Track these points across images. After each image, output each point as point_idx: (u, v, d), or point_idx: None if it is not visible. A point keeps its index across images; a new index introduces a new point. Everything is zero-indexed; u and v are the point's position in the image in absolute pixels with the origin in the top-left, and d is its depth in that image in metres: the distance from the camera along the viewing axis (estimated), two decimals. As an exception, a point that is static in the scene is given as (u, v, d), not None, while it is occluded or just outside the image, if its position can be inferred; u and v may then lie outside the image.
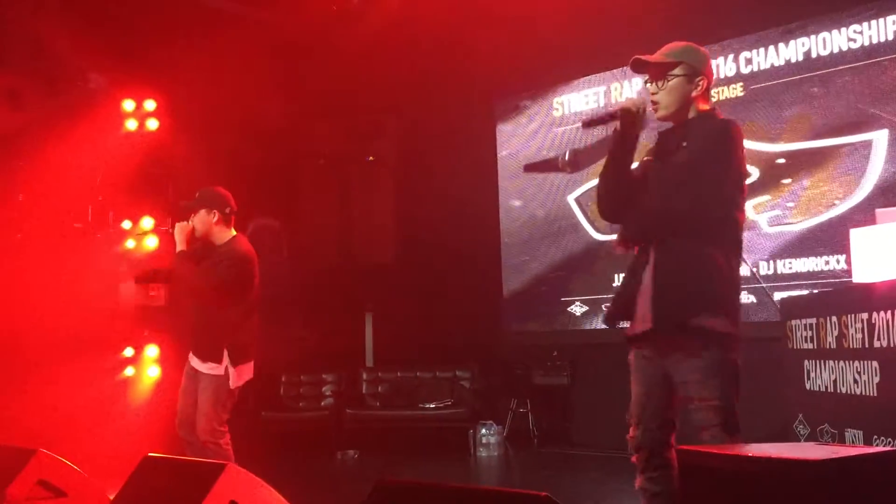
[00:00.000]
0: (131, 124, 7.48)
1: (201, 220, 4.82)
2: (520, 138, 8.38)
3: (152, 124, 7.50)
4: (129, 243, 7.40)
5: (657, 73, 3.24)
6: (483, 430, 7.65)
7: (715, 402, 3.02)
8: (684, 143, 3.17)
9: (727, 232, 3.13)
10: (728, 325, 3.06)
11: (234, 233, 4.88)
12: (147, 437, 6.35)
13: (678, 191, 3.08)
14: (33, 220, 6.75)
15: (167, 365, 7.12)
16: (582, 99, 7.93)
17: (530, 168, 8.11)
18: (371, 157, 8.92)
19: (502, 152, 8.50)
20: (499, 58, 7.75)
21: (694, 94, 3.19)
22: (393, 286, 8.72)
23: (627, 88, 7.56)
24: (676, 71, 3.19)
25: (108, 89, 7.37)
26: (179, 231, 4.83)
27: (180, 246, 4.81)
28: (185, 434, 4.76)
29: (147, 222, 7.42)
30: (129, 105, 7.48)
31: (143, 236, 7.39)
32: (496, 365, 8.36)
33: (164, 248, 7.19)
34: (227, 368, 4.68)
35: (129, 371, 7.32)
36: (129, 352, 7.34)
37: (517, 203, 8.36)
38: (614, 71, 7.64)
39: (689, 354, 3.06)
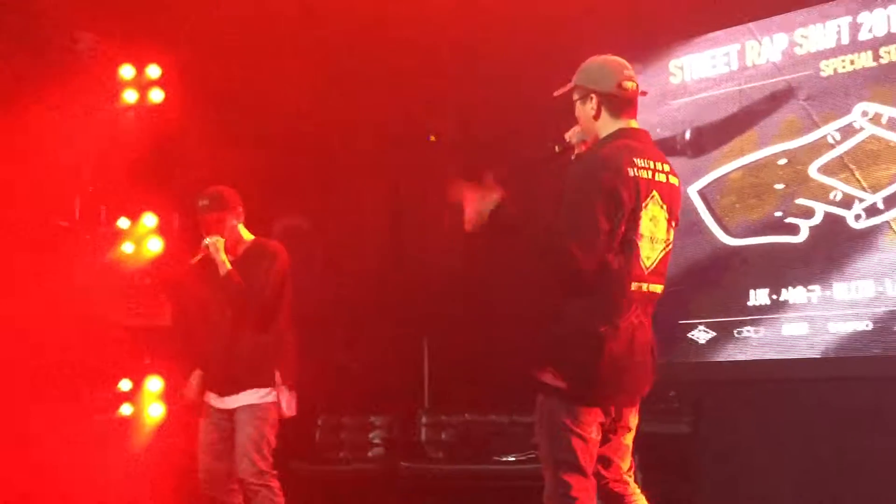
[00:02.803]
0: (130, 96, 7.56)
1: (231, 228, 5.17)
2: (624, 113, 8.22)
3: (156, 96, 7.58)
4: (127, 247, 7.44)
5: None
6: (576, 491, 7.49)
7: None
8: None
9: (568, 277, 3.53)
10: (554, 378, 3.43)
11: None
12: (149, 493, 6.40)
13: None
14: (6, 217, 6.77)
15: (174, 402, 7.10)
16: (707, 62, 7.73)
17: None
18: (432, 137, 8.87)
19: (602, 131, 8.34)
20: (599, 8, 7.56)
21: (592, 114, 3.68)
22: (458, 304, 8.65)
23: (768, 46, 7.34)
24: (574, 96, 3.75)
25: (101, 52, 7.42)
26: (219, 248, 5.05)
27: (226, 266, 5.02)
28: (217, 493, 5.02)
29: (149, 220, 7.45)
30: (127, 72, 7.55)
31: (145, 238, 7.40)
32: (592, 406, 8.20)
33: (169, 253, 7.22)
34: (278, 395, 4.91)
35: (125, 409, 7.34)
36: (125, 385, 7.37)
37: (621, 196, 8.18)
38: (749, 25, 7.45)
39: None
